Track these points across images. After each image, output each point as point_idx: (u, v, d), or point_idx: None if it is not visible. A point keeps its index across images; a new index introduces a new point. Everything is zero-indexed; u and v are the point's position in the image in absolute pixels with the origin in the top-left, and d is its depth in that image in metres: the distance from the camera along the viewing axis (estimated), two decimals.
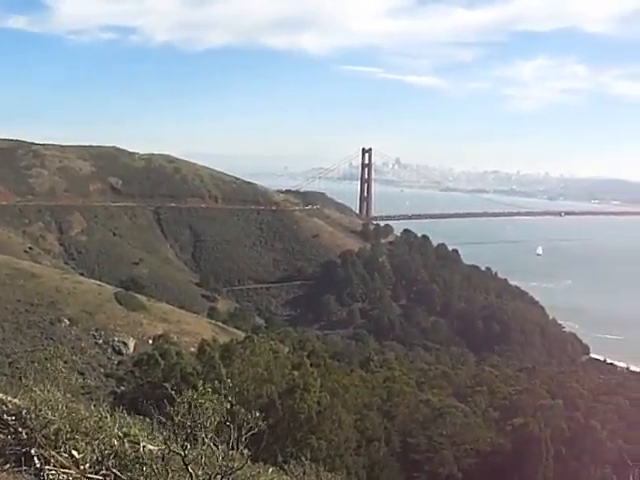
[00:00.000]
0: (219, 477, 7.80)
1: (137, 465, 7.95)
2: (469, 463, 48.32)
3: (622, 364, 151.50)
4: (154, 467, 7.87)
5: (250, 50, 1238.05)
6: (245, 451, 8.21)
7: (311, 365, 47.90)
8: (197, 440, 8.05)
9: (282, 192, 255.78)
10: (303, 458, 13.99)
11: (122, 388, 58.48)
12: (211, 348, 52.08)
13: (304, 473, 11.40)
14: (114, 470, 8.06)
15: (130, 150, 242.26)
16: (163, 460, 7.95)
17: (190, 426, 7.99)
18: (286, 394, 40.27)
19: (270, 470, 10.33)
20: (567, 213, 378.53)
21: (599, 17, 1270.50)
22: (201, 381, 8.95)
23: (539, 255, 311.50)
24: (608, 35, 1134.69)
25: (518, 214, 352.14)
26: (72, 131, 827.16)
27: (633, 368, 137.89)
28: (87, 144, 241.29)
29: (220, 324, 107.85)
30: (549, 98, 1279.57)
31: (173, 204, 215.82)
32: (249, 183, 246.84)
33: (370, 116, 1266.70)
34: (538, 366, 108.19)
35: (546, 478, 45.52)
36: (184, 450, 7.90)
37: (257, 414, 8.40)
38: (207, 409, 8.02)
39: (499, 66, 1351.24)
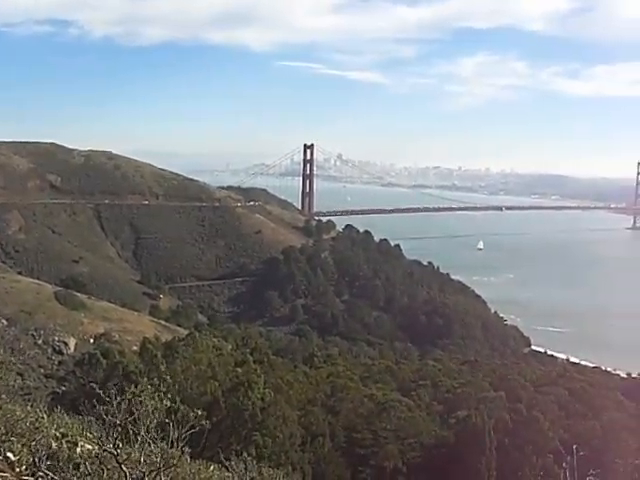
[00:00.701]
0: (154, 474, 7.58)
1: (71, 466, 7.69)
2: (414, 456, 48.53)
3: (562, 356, 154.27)
4: (89, 468, 7.62)
5: (191, 45, 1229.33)
6: (185, 449, 8.01)
7: (254, 362, 47.69)
8: (137, 438, 7.83)
9: (224, 189, 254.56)
10: (246, 455, 13.77)
11: (63, 388, 57.50)
12: (153, 346, 51.54)
13: (246, 470, 11.20)
14: (48, 472, 7.77)
15: (69, 147, 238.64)
16: (98, 460, 7.70)
17: (124, 424, 7.75)
18: (230, 391, 39.96)
19: (212, 467, 10.15)
20: (508, 208, 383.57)
21: (539, 15, 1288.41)
22: (141, 379, 8.72)
23: (480, 250, 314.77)
24: (547, 33, 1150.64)
25: (459, 209, 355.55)
26: (7, 127, 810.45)
27: (573, 359, 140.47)
28: (24, 140, 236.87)
29: (162, 322, 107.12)
30: (490, 94, 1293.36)
31: (114, 201, 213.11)
32: (191, 180, 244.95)
33: (312, 112, 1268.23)
34: (481, 359, 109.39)
35: (489, 469, 45.87)
36: (117, 449, 7.66)
37: (199, 412, 8.21)
38: (146, 407, 7.80)
39: (441, 62, 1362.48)
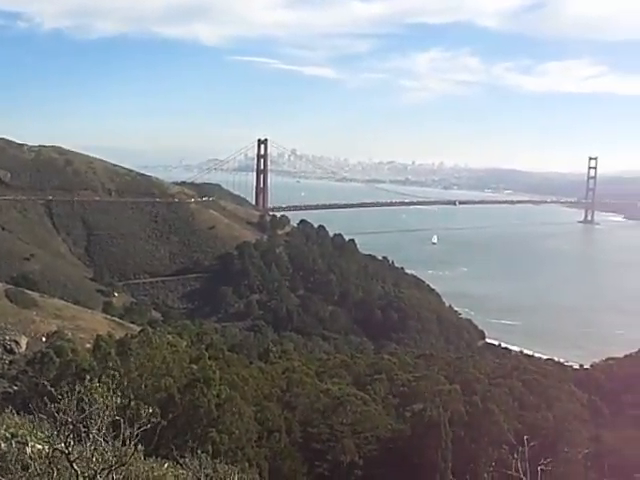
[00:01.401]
0: (106, 472, 7.40)
1: (20, 467, 7.47)
2: (370, 450, 48.64)
3: (516, 348, 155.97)
4: (38, 468, 7.41)
5: (144, 39, 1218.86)
6: (139, 446, 7.85)
7: (210, 358, 47.43)
8: (89, 437, 7.65)
9: (177, 184, 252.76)
10: (200, 452, 13.61)
11: (15, 388, 56.63)
12: (107, 344, 50.99)
13: (200, 466, 11.06)
14: None
15: (18, 142, 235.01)
16: (49, 460, 7.50)
17: (75, 423, 7.55)
18: (185, 388, 39.72)
19: (166, 465, 10.00)
20: (461, 202, 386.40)
21: (492, 12, 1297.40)
22: (93, 377, 8.50)
23: (434, 244, 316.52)
24: (500, 29, 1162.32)
25: (413, 204, 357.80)
26: None
27: (526, 351, 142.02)
28: None
29: (116, 319, 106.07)
30: (444, 89, 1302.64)
31: (65, 197, 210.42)
32: (143, 175, 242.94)
33: (266, 107, 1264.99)
34: (436, 352, 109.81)
35: (445, 461, 46.13)
36: (68, 448, 7.46)
37: (150, 409, 8.04)
38: (97, 405, 7.60)
39: (395, 58, 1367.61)
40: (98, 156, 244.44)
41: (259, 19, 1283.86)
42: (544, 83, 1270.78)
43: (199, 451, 13.90)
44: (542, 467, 13.12)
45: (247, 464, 36.74)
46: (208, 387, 39.24)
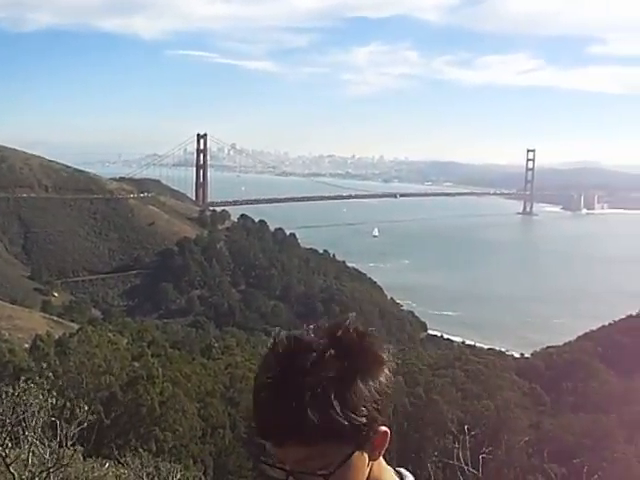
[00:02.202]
0: (44, 475, 7.14)
1: None
2: None
3: (458, 339, 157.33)
4: None
5: (81, 33, 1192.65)
6: (78, 447, 7.60)
7: (152, 355, 47.04)
8: (27, 439, 7.37)
9: (116, 180, 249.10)
10: (143, 450, 13.37)
11: None
12: (45, 343, 50.20)
13: (142, 465, 10.83)
14: None
15: None
16: None
17: (12, 425, 7.26)
18: (128, 386, 39.26)
19: (107, 465, 9.75)
20: (402, 195, 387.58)
21: (431, 6, 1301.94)
22: (29, 378, 8.21)
23: (376, 236, 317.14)
24: (439, 23, 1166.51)
25: (354, 197, 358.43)
26: None
27: (468, 342, 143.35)
28: None
29: (55, 318, 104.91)
30: (384, 83, 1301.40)
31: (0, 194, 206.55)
32: (81, 171, 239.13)
33: (205, 102, 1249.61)
34: None
35: (390, 453, 46.29)
36: (5, 450, 7.18)
37: (94, 408, 7.79)
38: (31, 406, 7.32)
39: (335, 52, 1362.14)
40: (33, 151, 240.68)
41: (198, 12, 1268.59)
42: (483, 76, 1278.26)
43: (141, 450, 13.66)
44: (483, 456, 13.19)
45: (191, 461, 36.50)
46: (151, 385, 38.85)
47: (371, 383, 2.43)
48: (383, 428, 2.54)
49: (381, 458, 2.65)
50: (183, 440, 39.62)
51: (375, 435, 2.49)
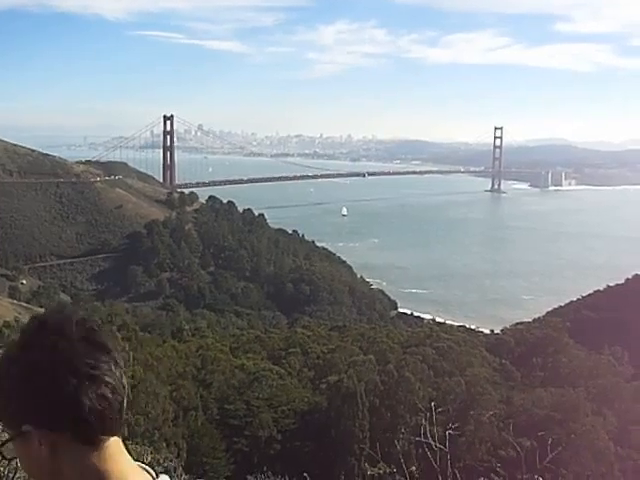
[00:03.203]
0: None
1: None
2: (288, 423, 48.81)
3: (428, 316, 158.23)
4: None
5: (42, 13, 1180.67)
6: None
7: (122, 339, 46.75)
8: None
9: (82, 163, 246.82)
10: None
11: None
12: (12, 330, 49.77)
13: None
14: None
15: None
16: None
17: None
18: None
19: None
20: (370, 174, 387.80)
21: None
22: None
23: (345, 216, 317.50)
24: (406, 1, 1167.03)
25: (322, 176, 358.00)
26: None
27: (438, 319, 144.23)
28: None
29: (23, 304, 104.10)
30: (351, 62, 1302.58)
31: None
32: (46, 155, 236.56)
33: (172, 83, 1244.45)
34: (349, 324, 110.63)
35: (363, 430, 46.62)
36: None
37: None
38: None
39: (301, 31, 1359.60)
40: None
41: None
42: (450, 54, 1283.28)
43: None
44: (450, 432, 13.19)
45: (164, 444, 36.41)
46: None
47: (88, 371, 2.50)
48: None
49: (120, 449, 2.64)
50: (155, 423, 39.54)
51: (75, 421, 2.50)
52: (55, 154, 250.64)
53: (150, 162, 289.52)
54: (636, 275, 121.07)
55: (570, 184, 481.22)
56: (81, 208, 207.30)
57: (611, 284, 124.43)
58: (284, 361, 61.68)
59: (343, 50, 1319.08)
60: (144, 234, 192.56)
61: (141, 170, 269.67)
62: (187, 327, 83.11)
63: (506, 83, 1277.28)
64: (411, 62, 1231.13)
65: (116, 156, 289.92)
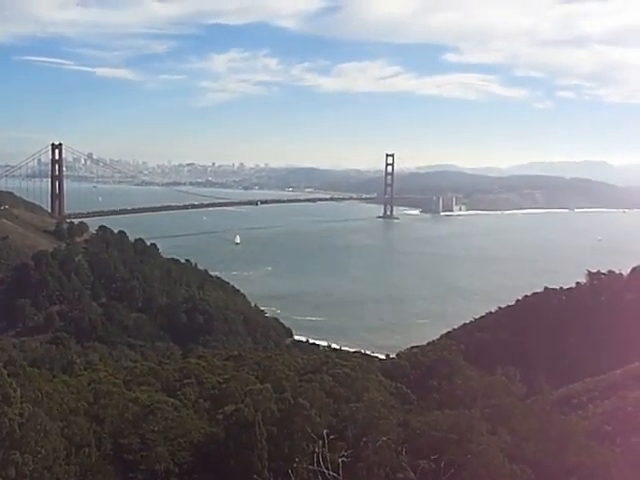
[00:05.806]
0: None
1: None
2: (185, 456, 47.89)
3: (324, 343, 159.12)
4: None
5: None
6: None
7: (9, 375, 45.10)
8: None
9: None
10: (5, 477, 12.61)
11: None
12: None
13: None
14: None
15: None
16: None
17: None
18: None
19: None
20: (263, 202, 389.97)
21: (289, 13, 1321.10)
22: None
23: (238, 244, 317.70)
24: (298, 30, 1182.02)
25: (214, 205, 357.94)
26: None
27: (334, 346, 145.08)
28: None
29: None
30: (243, 90, 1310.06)
31: None
32: None
33: (61, 111, 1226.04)
34: (244, 353, 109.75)
35: (261, 460, 46.10)
36: None
37: None
38: None
39: (193, 59, 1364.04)
40: None
41: (50, 17, 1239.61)
42: (342, 83, 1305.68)
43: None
44: (344, 459, 13.22)
45: None
46: (9, 405, 37.21)
47: None
48: None
49: None
50: (46, 462, 38.13)
51: None
52: None
53: (38, 191, 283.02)
54: (526, 296, 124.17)
55: (460, 209, 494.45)
56: None
57: (502, 305, 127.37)
58: (179, 392, 60.64)
59: (235, 78, 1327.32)
60: (32, 266, 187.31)
61: (28, 200, 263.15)
62: (78, 361, 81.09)
63: (397, 111, 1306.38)
64: (304, 90, 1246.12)
65: (1, 185, 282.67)
